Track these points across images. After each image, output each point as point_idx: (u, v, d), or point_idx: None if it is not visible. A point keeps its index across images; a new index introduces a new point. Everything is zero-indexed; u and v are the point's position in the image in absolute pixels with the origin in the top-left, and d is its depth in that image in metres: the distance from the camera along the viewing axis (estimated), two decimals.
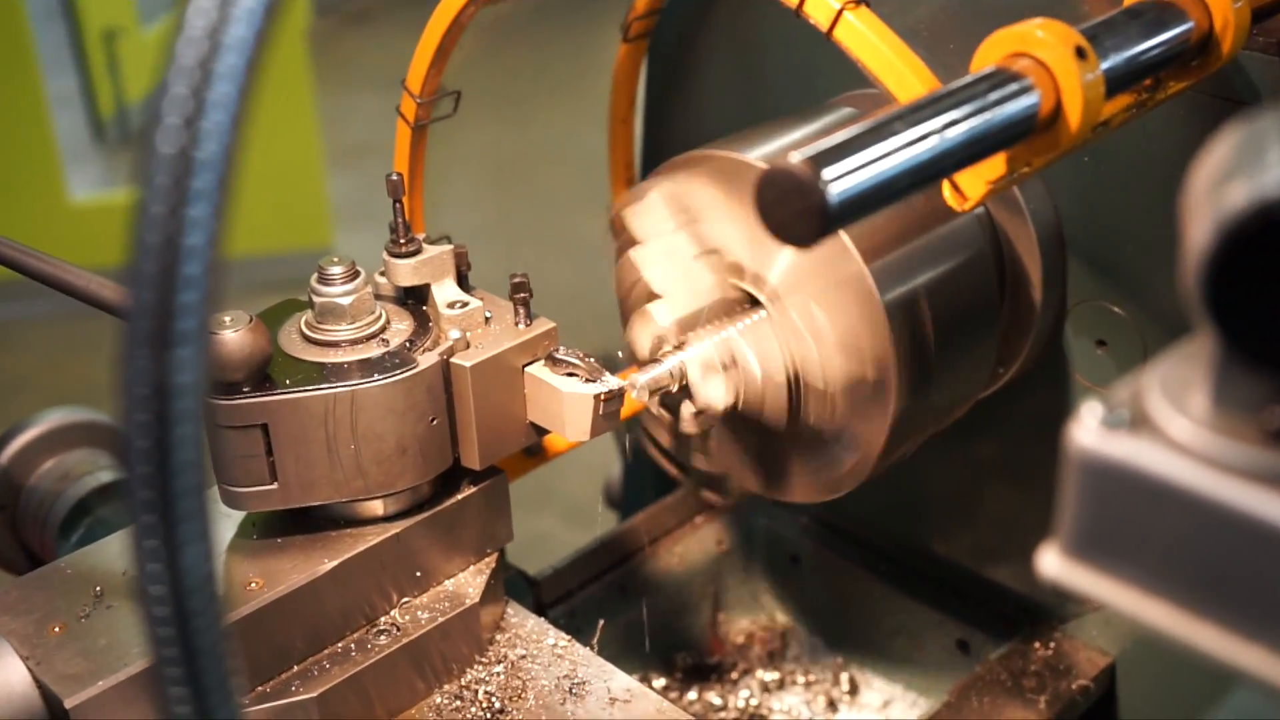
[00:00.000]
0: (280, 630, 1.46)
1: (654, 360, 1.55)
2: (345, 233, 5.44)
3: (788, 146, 1.48)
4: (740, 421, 1.60)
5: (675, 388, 1.55)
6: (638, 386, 1.53)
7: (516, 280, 1.55)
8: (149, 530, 0.83)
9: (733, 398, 1.56)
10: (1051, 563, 0.81)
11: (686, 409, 1.58)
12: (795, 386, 1.53)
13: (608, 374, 1.52)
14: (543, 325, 1.56)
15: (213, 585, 0.86)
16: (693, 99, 1.98)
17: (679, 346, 1.55)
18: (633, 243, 1.63)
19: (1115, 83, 1.21)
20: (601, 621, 1.83)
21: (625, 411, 1.57)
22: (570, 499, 3.91)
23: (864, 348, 1.47)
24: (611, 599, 2.01)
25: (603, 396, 1.50)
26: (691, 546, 2.10)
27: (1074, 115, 1.17)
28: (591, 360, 1.53)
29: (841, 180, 1.03)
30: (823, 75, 1.78)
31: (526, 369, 1.54)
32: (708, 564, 2.11)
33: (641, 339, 1.58)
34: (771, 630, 2.13)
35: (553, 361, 1.54)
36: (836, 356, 1.49)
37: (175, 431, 0.82)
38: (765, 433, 1.59)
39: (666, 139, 2.03)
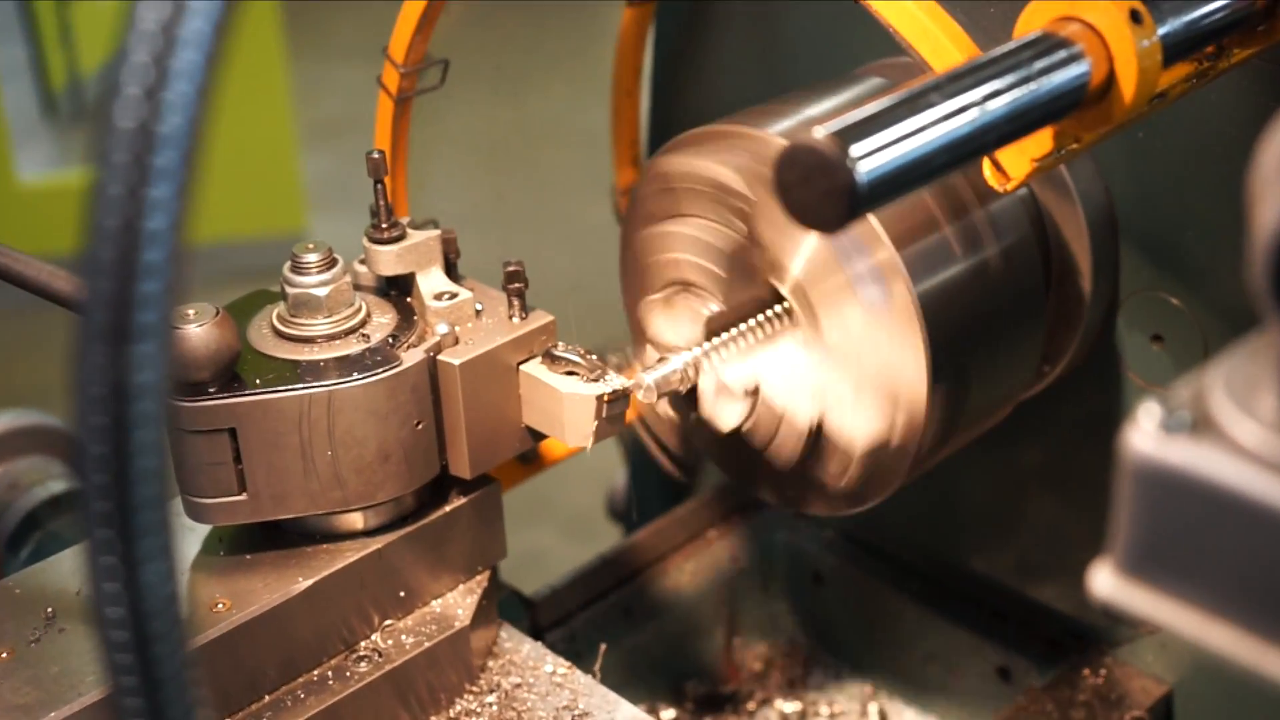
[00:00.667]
0: (250, 656, 1.46)
1: (663, 358, 1.55)
2: (320, 217, 5.43)
3: (811, 120, 1.48)
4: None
5: (685, 389, 1.55)
6: (644, 387, 1.53)
7: (511, 269, 1.54)
8: (105, 545, 0.83)
9: (742, 424, 1.57)
10: (1104, 581, 0.81)
11: (709, 402, 1.58)
12: (815, 435, 1.54)
13: (611, 373, 1.52)
14: (540, 319, 1.56)
15: (176, 607, 0.86)
16: (705, 69, 1.98)
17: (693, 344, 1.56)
18: (651, 220, 1.62)
19: (1173, 50, 1.21)
20: (604, 646, 1.82)
21: (630, 414, 1.57)
22: (570, 511, 3.91)
23: (895, 364, 1.47)
24: (615, 621, 2.01)
25: (606, 398, 1.50)
26: (704, 563, 2.10)
27: (1128, 86, 1.17)
28: (593, 358, 1.52)
29: (871, 158, 1.03)
30: (849, 42, 1.78)
31: (521, 367, 1.54)
32: (722, 582, 2.10)
33: (666, 332, 1.58)
34: (792, 655, 2.13)
35: (551, 359, 1.53)
36: (867, 394, 1.49)
37: (135, 436, 0.82)
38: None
39: (676, 113, 2.02)
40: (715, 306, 1.56)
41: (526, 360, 1.54)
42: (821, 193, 1.03)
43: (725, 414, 1.56)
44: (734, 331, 1.55)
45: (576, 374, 1.52)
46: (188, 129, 0.80)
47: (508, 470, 1.83)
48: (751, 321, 1.55)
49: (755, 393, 1.56)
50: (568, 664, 1.63)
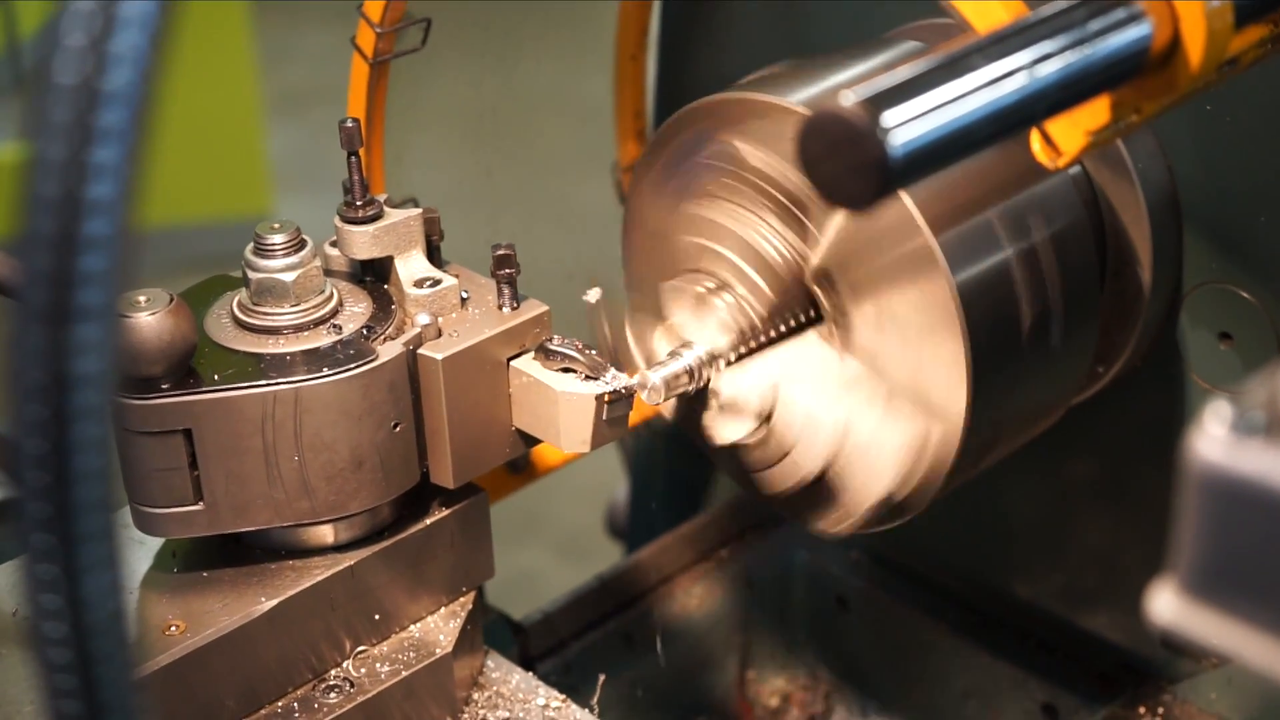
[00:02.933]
0: (206, 685, 1.46)
1: (672, 354, 1.55)
2: (287, 197, 5.44)
3: (838, 87, 1.47)
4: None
5: (694, 389, 1.55)
6: (649, 386, 1.52)
7: (500, 253, 1.54)
8: (44, 554, 0.83)
9: (739, 442, 1.58)
10: (1165, 605, 0.80)
11: (713, 412, 1.59)
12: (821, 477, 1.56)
13: (612, 369, 1.52)
14: (532, 309, 1.55)
15: (121, 624, 0.86)
16: (718, 30, 1.97)
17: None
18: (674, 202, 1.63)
19: (1247, 10, 1.20)
20: (603, 677, 1.82)
21: (634, 417, 1.57)
22: (565, 527, 3.92)
23: (929, 358, 1.48)
24: (615, 650, 2.02)
25: (606, 397, 1.50)
26: (714, 586, 2.11)
27: (1195, 50, 1.16)
28: (592, 353, 1.52)
29: (906, 127, 1.03)
30: (880, 1, 1.77)
31: (512, 363, 1.54)
32: (734, 608, 2.12)
33: (689, 326, 1.58)
34: (812, 690, 2.14)
35: (545, 354, 1.53)
36: (896, 412, 1.50)
37: (76, 431, 0.82)
38: None
39: (686, 80, 2.02)
40: (746, 310, 1.56)
41: (518, 355, 1.54)
42: (850, 166, 1.03)
43: (725, 429, 1.57)
44: (757, 337, 1.55)
45: (574, 371, 1.52)
46: (138, 84, 0.80)
47: (496, 480, 1.83)
48: (779, 325, 1.55)
49: (768, 418, 1.56)
50: (562, 697, 1.63)
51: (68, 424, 0.81)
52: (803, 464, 1.56)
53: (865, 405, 1.52)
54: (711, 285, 1.57)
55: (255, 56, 5.35)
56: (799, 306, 1.55)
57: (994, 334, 1.49)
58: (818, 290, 1.53)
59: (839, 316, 1.52)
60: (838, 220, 1.50)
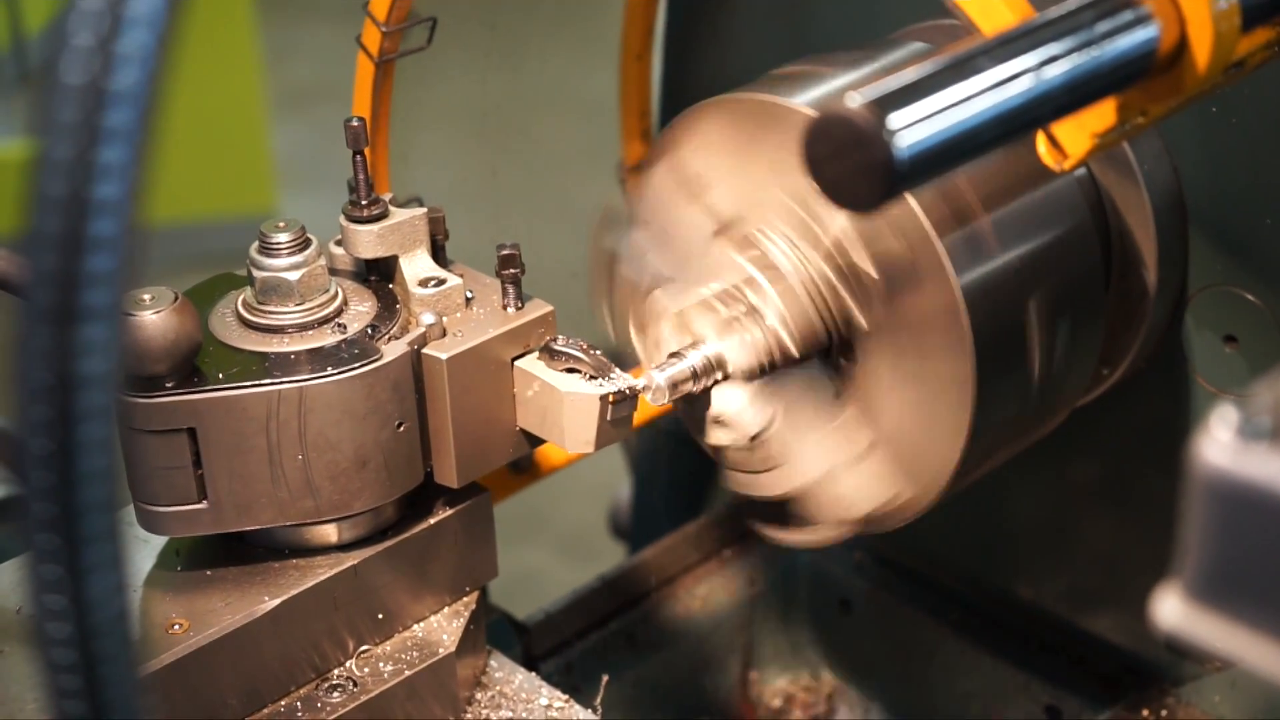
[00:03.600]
0: (209, 684, 1.46)
1: (676, 354, 1.54)
2: (291, 195, 5.43)
3: (844, 88, 1.47)
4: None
5: (699, 389, 1.55)
6: (654, 386, 1.52)
7: (506, 253, 1.54)
8: (49, 554, 0.83)
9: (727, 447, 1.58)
10: (1171, 609, 0.80)
11: (708, 415, 1.58)
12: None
13: (617, 370, 1.52)
14: (537, 309, 1.55)
15: (126, 625, 0.86)
16: (724, 30, 1.97)
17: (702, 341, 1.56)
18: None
19: (1254, 12, 1.20)
20: (606, 677, 1.82)
21: (638, 418, 1.56)
22: (568, 527, 3.92)
23: (933, 361, 1.47)
24: (618, 650, 2.02)
25: (611, 398, 1.50)
26: (717, 587, 2.10)
27: (1202, 52, 1.16)
28: (597, 353, 1.52)
29: (912, 129, 1.03)
30: (886, 1, 1.78)
31: (516, 363, 1.54)
32: (737, 609, 2.11)
33: (668, 336, 1.57)
34: (815, 691, 2.14)
35: (550, 354, 1.53)
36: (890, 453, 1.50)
37: (82, 431, 0.82)
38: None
39: (691, 80, 2.02)
40: (766, 339, 1.54)
41: (522, 355, 1.54)
42: (856, 168, 1.03)
43: (716, 434, 1.58)
44: (773, 358, 1.54)
45: (578, 371, 1.51)
46: (145, 84, 0.80)
47: (499, 480, 1.82)
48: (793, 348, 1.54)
49: (758, 436, 1.56)
50: (565, 697, 1.63)
51: (73, 425, 0.81)
52: (782, 483, 1.56)
53: (850, 451, 1.52)
54: (732, 300, 1.55)
55: (260, 53, 5.34)
56: (817, 341, 1.54)
57: (997, 336, 1.49)
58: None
59: (845, 336, 1.52)
60: (838, 224, 1.49)
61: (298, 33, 6.22)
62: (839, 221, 1.46)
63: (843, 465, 1.53)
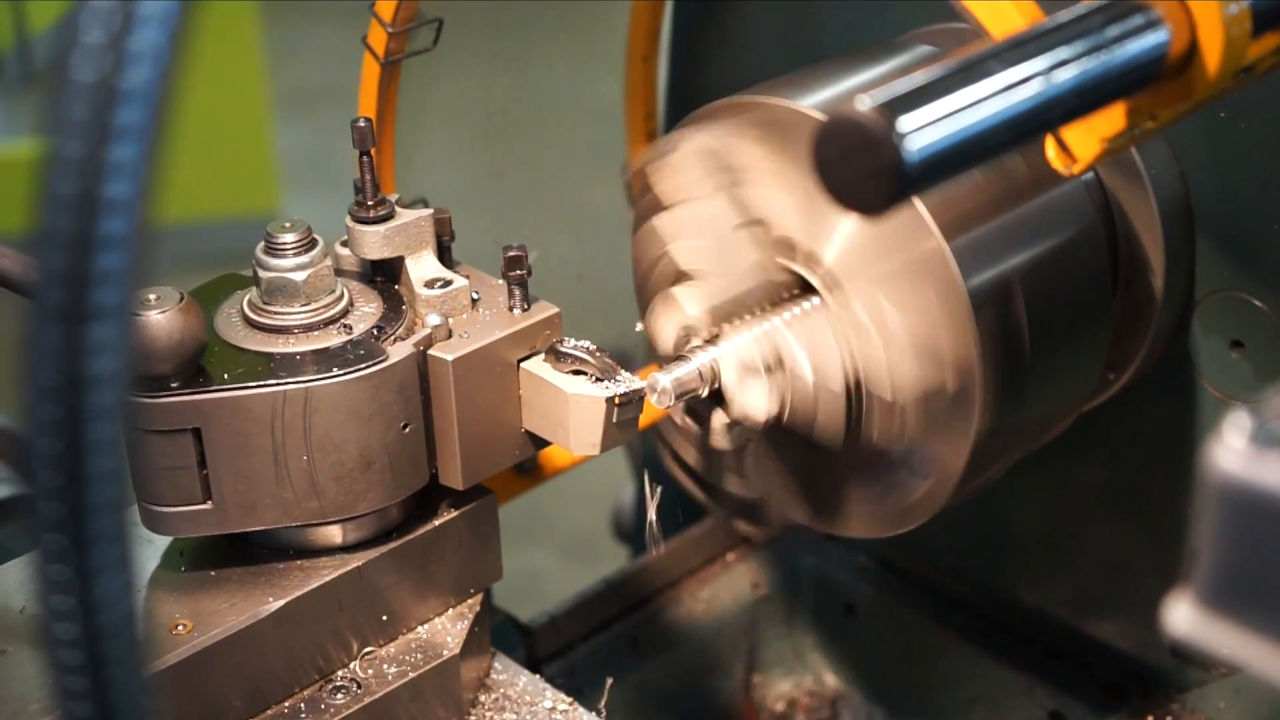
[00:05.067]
0: (213, 685, 1.46)
1: (680, 357, 1.54)
2: (296, 196, 5.43)
3: (853, 91, 1.47)
4: (785, 436, 1.59)
5: (705, 391, 1.54)
6: (659, 389, 1.51)
7: (512, 254, 1.54)
8: (57, 555, 0.83)
9: (776, 407, 1.55)
10: (1183, 616, 0.80)
11: (718, 418, 1.57)
12: (856, 396, 1.53)
13: (623, 372, 1.52)
14: (543, 311, 1.55)
15: (134, 626, 0.86)
16: (730, 33, 1.97)
17: (711, 340, 1.54)
18: (656, 208, 1.62)
19: (1264, 18, 1.19)
20: (610, 680, 1.82)
21: (644, 420, 1.56)
22: (571, 529, 3.92)
23: (942, 347, 1.47)
24: (621, 653, 2.02)
25: (617, 400, 1.50)
26: (721, 590, 2.11)
27: (1212, 57, 1.16)
28: (603, 355, 1.52)
29: (922, 132, 1.03)
30: (895, 4, 1.77)
31: (522, 365, 1.54)
32: (741, 612, 2.12)
33: (665, 330, 1.57)
34: (819, 695, 2.14)
35: (555, 356, 1.53)
36: (908, 358, 1.49)
37: (91, 431, 0.82)
38: (816, 451, 1.58)
39: (698, 83, 2.02)
40: (723, 298, 1.55)
41: (528, 357, 1.54)
42: (865, 171, 1.03)
43: (754, 399, 1.53)
44: (749, 318, 1.54)
45: (584, 373, 1.51)
46: (157, 82, 0.80)
47: (503, 482, 1.82)
48: (770, 307, 1.54)
49: (780, 365, 1.54)
50: (569, 700, 1.63)
51: (82, 424, 0.81)
52: (833, 385, 1.52)
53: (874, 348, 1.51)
54: (682, 271, 1.57)
55: (265, 54, 5.34)
56: (792, 294, 1.55)
57: (1005, 340, 1.49)
58: (825, 294, 1.52)
59: (845, 313, 1.52)
60: (846, 226, 1.49)
61: (303, 34, 6.22)
62: None
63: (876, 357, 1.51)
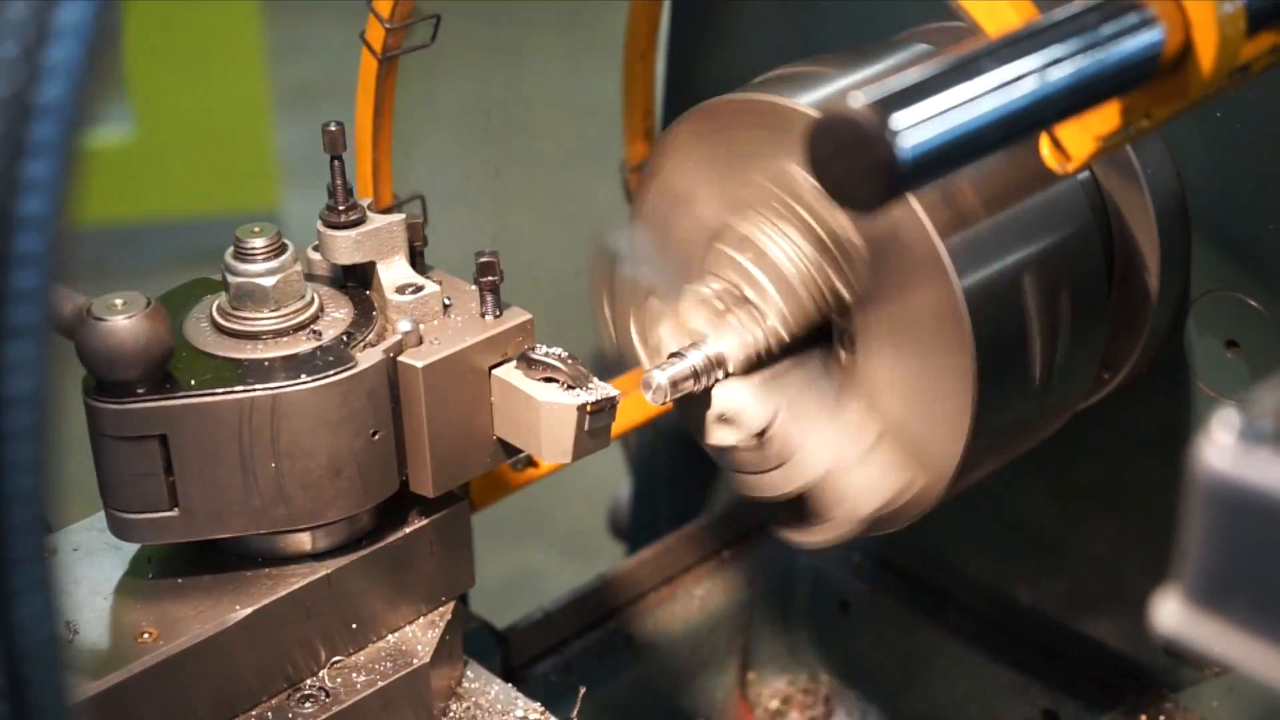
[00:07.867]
0: (179, 693, 1.45)
1: (677, 354, 1.54)
2: (295, 193, 5.48)
3: (848, 89, 1.44)
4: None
5: (699, 390, 1.54)
6: (654, 386, 1.51)
7: (484, 260, 1.53)
8: None
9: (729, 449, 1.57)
10: (1171, 614, 0.81)
11: (711, 415, 1.57)
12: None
13: (595, 380, 1.51)
14: (515, 317, 1.54)
15: (56, 648, 0.85)
16: (728, 30, 1.97)
17: (707, 340, 1.55)
18: (654, 209, 1.62)
19: (1259, 17, 1.18)
20: (583, 689, 1.81)
21: (640, 418, 1.55)
22: (567, 526, 3.99)
23: (936, 346, 1.45)
24: (616, 650, 2.02)
25: (589, 408, 1.49)
26: (716, 588, 2.10)
27: (1207, 56, 1.15)
28: (576, 362, 1.51)
29: (916, 130, 1.04)
30: (892, 2, 1.77)
31: (494, 372, 1.53)
32: (736, 610, 2.11)
33: (667, 338, 1.57)
34: (813, 693, 2.14)
35: (527, 363, 1.52)
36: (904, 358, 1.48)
37: (7, 452, 0.81)
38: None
39: (696, 80, 2.01)
40: (760, 323, 1.54)
41: (500, 364, 1.53)
42: (858, 168, 1.04)
43: (718, 434, 1.57)
44: (770, 351, 1.54)
45: (556, 380, 1.50)
46: (71, 96, 0.79)
47: (499, 478, 1.84)
48: (790, 341, 1.54)
49: (761, 434, 1.56)
50: (541, 708, 1.62)
51: None
52: (792, 480, 1.55)
53: (858, 444, 1.52)
54: (727, 294, 1.55)
55: (264, 51, 5.36)
56: (810, 323, 1.54)
57: (999, 339, 1.48)
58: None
59: (845, 328, 1.51)
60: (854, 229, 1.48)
61: (302, 29, 6.25)
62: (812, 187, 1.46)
63: (849, 459, 1.52)
